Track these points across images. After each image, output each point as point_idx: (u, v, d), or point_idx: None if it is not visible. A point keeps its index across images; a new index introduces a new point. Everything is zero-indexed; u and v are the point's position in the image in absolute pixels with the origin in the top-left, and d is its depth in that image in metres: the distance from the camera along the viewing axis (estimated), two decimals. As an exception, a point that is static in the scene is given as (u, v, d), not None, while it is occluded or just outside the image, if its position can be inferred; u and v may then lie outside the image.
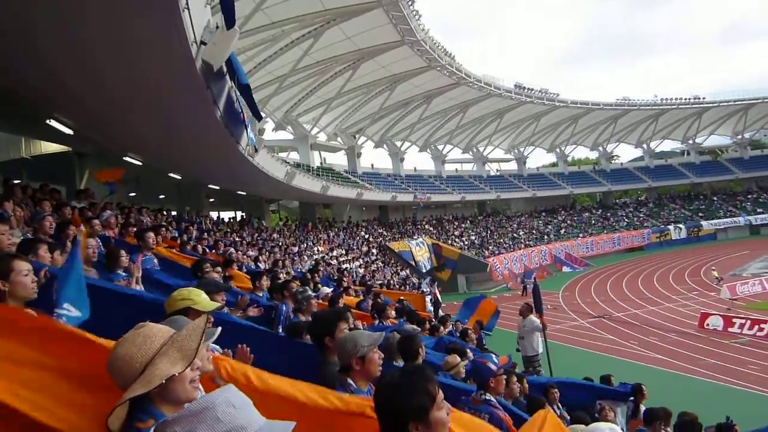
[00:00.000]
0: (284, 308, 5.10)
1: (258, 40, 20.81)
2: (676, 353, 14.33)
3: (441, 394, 1.50)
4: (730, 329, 16.08)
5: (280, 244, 20.89)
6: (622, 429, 6.05)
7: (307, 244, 24.54)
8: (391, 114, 37.19)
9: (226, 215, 25.57)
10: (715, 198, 52.96)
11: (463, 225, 43.34)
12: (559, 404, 5.72)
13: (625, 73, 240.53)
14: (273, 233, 23.16)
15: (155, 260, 5.50)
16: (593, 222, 48.70)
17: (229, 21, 7.31)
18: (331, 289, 9.88)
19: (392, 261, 30.58)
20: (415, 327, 6.11)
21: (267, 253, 15.27)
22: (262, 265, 11.68)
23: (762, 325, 15.43)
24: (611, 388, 6.69)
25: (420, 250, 32.40)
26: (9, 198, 5.47)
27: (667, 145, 59.09)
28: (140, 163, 14.12)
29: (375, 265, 27.29)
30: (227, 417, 1.08)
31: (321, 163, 36.90)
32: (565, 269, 32.69)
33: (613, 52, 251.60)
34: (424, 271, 30.73)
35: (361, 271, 23.93)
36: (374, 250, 30.82)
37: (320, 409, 1.92)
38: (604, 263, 37.41)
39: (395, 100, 34.79)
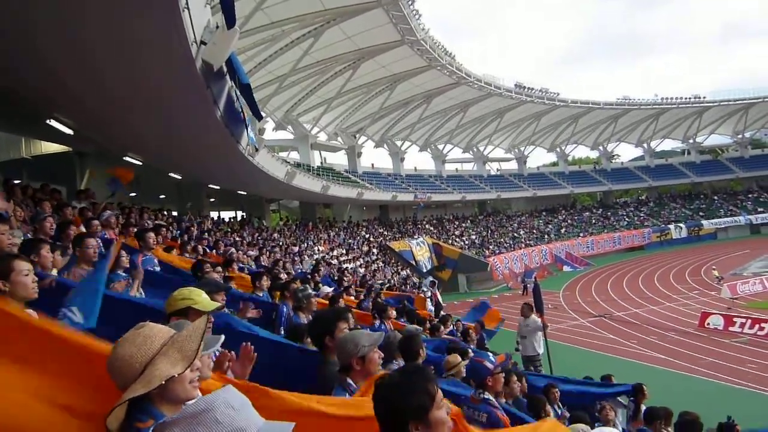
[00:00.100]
0: (285, 309, 5.10)
1: (258, 40, 20.81)
2: (677, 352, 14.33)
3: (440, 394, 1.50)
4: (730, 328, 16.07)
5: (281, 243, 20.88)
6: (623, 429, 6.05)
7: (307, 244, 24.54)
8: (391, 113, 37.18)
9: (226, 215, 25.58)
10: (715, 197, 52.93)
11: (463, 224, 43.33)
12: (560, 403, 5.72)
13: (625, 73, 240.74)
14: (273, 233, 23.16)
15: (155, 260, 5.50)
16: (594, 221, 48.68)
17: (230, 21, 7.31)
18: (332, 288, 9.88)
19: (393, 261, 30.58)
20: (417, 327, 6.12)
21: (267, 252, 15.27)
22: (264, 262, 11.66)
23: (762, 324, 15.42)
24: (611, 388, 6.68)
25: (420, 250, 32.40)
26: (9, 198, 5.47)
27: (668, 145, 59.23)
28: (140, 163, 14.13)
29: (375, 265, 27.29)
30: (226, 419, 1.08)
31: (321, 162, 36.88)
32: (566, 269, 32.76)
33: (613, 52, 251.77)
34: (424, 270, 30.73)
35: (362, 270, 23.93)
36: (375, 250, 30.82)
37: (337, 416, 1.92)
38: (605, 262, 37.40)
39: (395, 100, 34.77)
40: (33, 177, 11.66)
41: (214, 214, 23.84)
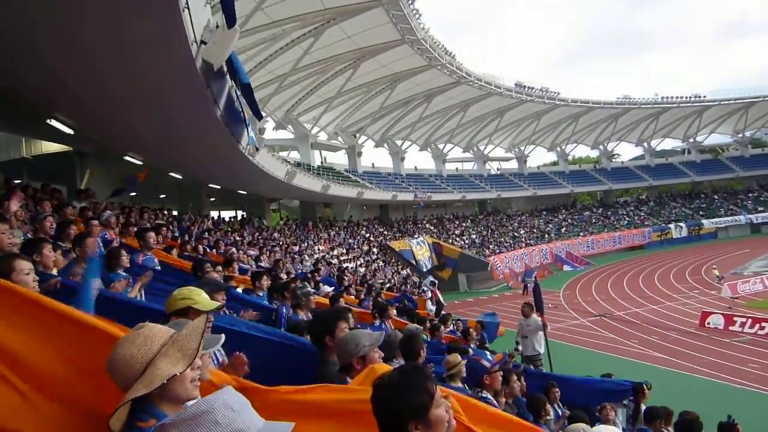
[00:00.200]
0: (284, 310, 5.10)
1: (258, 40, 20.81)
2: (677, 352, 14.33)
3: (440, 392, 1.50)
4: (731, 328, 16.07)
5: (281, 243, 20.89)
6: (624, 428, 6.05)
7: (307, 244, 24.56)
8: (391, 113, 37.17)
9: (226, 214, 25.60)
10: (715, 196, 52.91)
11: (463, 224, 43.33)
12: (560, 403, 5.72)
13: (625, 72, 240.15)
14: (274, 232, 23.17)
15: (156, 260, 5.51)
16: (594, 221, 48.67)
17: (230, 20, 7.30)
18: (332, 288, 9.90)
19: (393, 260, 30.60)
20: (417, 326, 6.12)
21: (268, 252, 15.28)
22: (263, 264, 11.68)
23: (763, 324, 15.41)
24: (610, 382, 6.68)
25: (421, 249, 32.41)
26: (10, 198, 5.48)
27: (668, 144, 59.26)
28: (141, 163, 14.12)
29: (376, 264, 27.30)
30: (226, 420, 1.08)
31: (321, 162, 36.88)
32: (566, 268, 32.79)
33: (613, 52, 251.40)
34: (424, 270, 30.73)
35: (362, 270, 23.94)
36: (375, 249, 30.83)
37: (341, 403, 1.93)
38: (605, 262, 37.39)
39: (395, 99, 34.76)
40: (33, 177, 11.67)
41: (214, 214, 23.86)
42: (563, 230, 45.80)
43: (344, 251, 27.05)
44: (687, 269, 30.90)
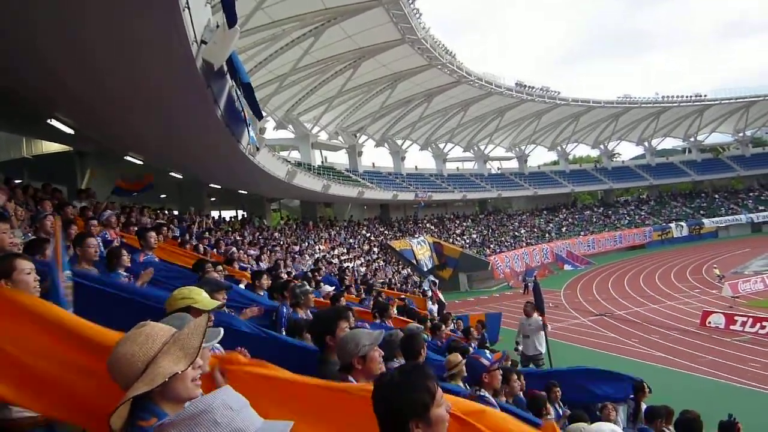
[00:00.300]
0: (285, 310, 5.11)
1: (258, 39, 20.80)
2: (678, 351, 14.32)
3: (440, 392, 1.50)
4: (731, 327, 16.06)
5: (282, 243, 20.89)
6: (624, 427, 6.05)
7: (308, 243, 24.56)
8: (391, 112, 37.17)
9: (227, 214, 25.60)
10: (716, 196, 52.89)
11: (464, 223, 43.33)
12: (560, 402, 5.72)
13: (626, 72, 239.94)
14: (274, 232, 23.17)
15: (157, 260, 5.51)
16: (594, 220, 48.66)
17: (231, 20, 7.29)
18: (333, 287, 9.90)
19: (393, 260, 30.60)
20: (418, 325, 6.11)
21: (268, 252, 15.28)
22: (263, 264, 11.68)
23: (764, 323, 15.40)
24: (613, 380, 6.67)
25: (421, 249, 32.41)
26: (10, 198, 5.48)
27: (669, 143, 59.28)
28: (141, 163, 14.14)
29: (376, 264, 27.30)
30: (225, 420, 1.07)
31: (322, 161, 36.88)
32: (567, 267, 32.79)
33: (613, 52, 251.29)
34: (425, 269, 30.74)
35: (363, 269, 23.95)
36: (375, 249, 30.84)
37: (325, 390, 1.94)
38: (606, 261, 37.38)
39: (396, 99, 34.75)
40: (34, 177, 11.66)
41: (215, 214, 23.86)
42: (564, 230, 45.79)
43: (345, 251, 27.06)
44: (688, 268, 30.89)
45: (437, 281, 22.64)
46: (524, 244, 40.15)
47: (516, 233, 43.09)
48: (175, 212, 17.01)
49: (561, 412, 5.42)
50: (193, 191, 21.24)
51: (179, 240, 9.27)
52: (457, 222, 43.39)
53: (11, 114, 10.17)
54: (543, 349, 10.00)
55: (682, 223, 47.21)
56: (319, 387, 1.94)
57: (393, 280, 23.47)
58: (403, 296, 13.80)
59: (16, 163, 12.95)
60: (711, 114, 50.28)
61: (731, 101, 47.88)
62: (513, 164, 52.71)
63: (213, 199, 24.15)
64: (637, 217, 49.71)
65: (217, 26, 7.68)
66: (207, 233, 12.55)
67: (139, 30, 6.18)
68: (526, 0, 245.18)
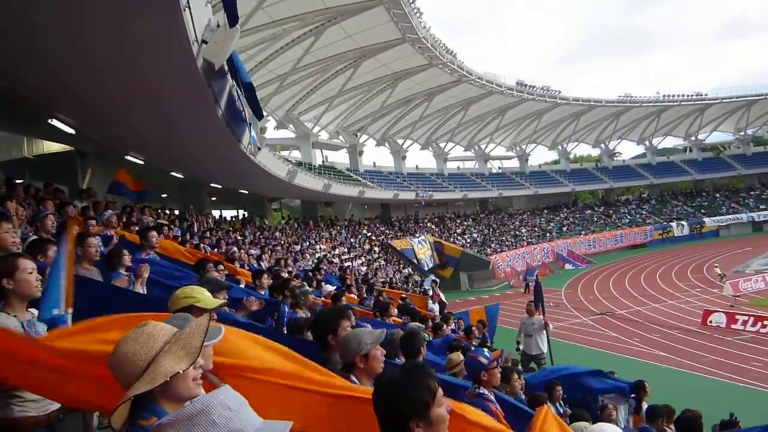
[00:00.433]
0: (286, 309, 5.12)
1: (259, 39, 20.80)
2: (679, 350, 14.31)
3: (441, 391, 1.49)
4: (733, 326, 16.04)
5: (282, 242, 20.91)
6: (625, 426, 6.05)
7: (309, 243, 24.58)
8: (392, 112, 37.16)
9: (228, 214, 25.61)
10: (717, 195, 52.82)
11: (465, 223, 43.32)
12: (561, 402, 5.72)
13: (625, 72, 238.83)
14: (275, 232, 23.19)
15: (158, 259, 5.51)
16: (595, 219, 48.63)
17: (232, 19, 7.29)
18: (334, 287, 9.90)
19: (394, 259, 30.61)
20: (419, 324, 6.12)
21: (269, 251, 15.30)
22: (264, 264, 11.69)
23: (765, 322, 15.37)
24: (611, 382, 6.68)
25: (422, 248, 32.40)
26: (11, 197, 5.49)
27: (670, 142, 59.18)
28: (142, 162, 14.14)
29: (377, 263, 27.31)
30: (223, 420, 1.07)
31: (323, 161, 36.86)
32: (568, 266, 32.70)
33: (613, 52, 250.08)
34: (426, 268, 30.72)
35: (364, 269, 23.96)
36: (376, 248, 30.85)
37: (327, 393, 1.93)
38: (607, 260, 37.34)
39: (396, 98, 34.74)
40: (35, 176, 11.65)
41: (215, 213, 23.87)
42: (565, 229, 45.77)
43: (345, 250, 27.08)
44: (689, 267, 30.85)
45: (438, 280, 22.58)
46: (525, 244, 40.14)
47: (517, 232, 43.08)
48: (176, 212, 17.03)
49: (561, 411, 5.42)
50: (194, 191, 21.26)
51: (180, 239, 9.27)
52: (458, 221, 43.38)
53: (12, 114, 10.17)
54: (545, 349, 10.00)
55: (683, 222, 47.18)
56: (321, 395, 1.93)
57: (394, 280, 23.49)
58: (404, 295, 13.80)
59: (17, 163, 12.93)
60: (712, 113, 50.21)
61: (732, 100, 47.82)
62: (514, 163, 52.73)
63: (214, 198, 24.16)
64: (638, 216, 49.66)
65: (218, 26, 7.68)
66: (208, 233, 12.57)
67: (139, 30, 6.17)
68: (526, 0, 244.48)
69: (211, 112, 9.32)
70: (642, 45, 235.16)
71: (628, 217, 49.48)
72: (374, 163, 42.11)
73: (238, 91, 10.03)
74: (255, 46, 21.24)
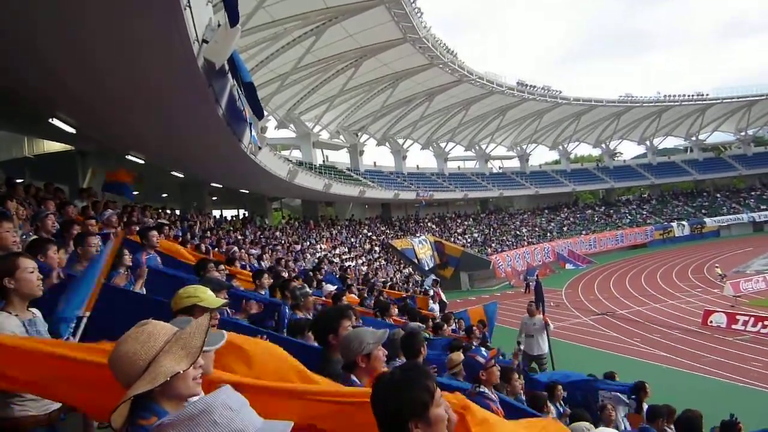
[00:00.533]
0: (287, 310, 5.11)
1: (259, 39, 20.79)
2: (679, 350, 14.30)
3: (439, 391, 1.49)
4: (733, 326, 16.04)
5: (283, 242, 20.91)
6: (624, 427, 6.05)
7: (309, 242, 24.58)
8: (393, 112, 37.15)
9: (228, 213, 25.63)
10: (718, 195, 52.77)
11: (465, 222, 43.31)
12: (561, 402, 5.71)
13: (626, 72, 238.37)
14: (275, 231, 23.19)
15: (158, 259, 5.51)
16: (596, 219, 48.61)
17: (233, 18, 7.28)
18: (335, 286, 9.90)
19: (395, 259, 30.60)
20: (420, 324, 6.12)
21: (270, 251, 15.30)
22: (265, 264, 11.69)
23: (765, 322, 15.37)
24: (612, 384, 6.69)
25: (423, 248, 32.40)
26: (12, 197, 5.49)
27: (670, 142, 59.13)
28: (142, 162, 14.14)
29: (378, 263, 27.30)
30: (224, 420, 1.07)
31: (323, 161, 36.85)
32: (568, 266, 32.71)
33: (613, 52, 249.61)
34: (426, 268, 30.72)
35: (364, 268, 23.95)
36: (377, 248, 30.84)
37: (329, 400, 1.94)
38: (607, 260, 37.33)
39: (397, 98, 34.74)
40: (36, 176, 11.66)
41: (216, 213, 23.89)
42: (565, 229, 45.75)
43: (346, 250, 27.07)
44: (689, 268, 30.84)
45: (439, 280, 22.60)
46: (526, 243, 40.12)
47: (517, 232, 43.07)
48: (177, 212, 17.04)
49: (562, 411, 5.42)
50: (195, 190, 21.28)
51: (180, 239, 9.28)
52: (459, 221, 43.38)
53: (12, 114, 10.17)
54: (546, 349, 9.98)
55: (684, 222, 47.15)
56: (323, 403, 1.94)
57: (394, 279, 23.48)
58: (404, 295, 13.81)
59: (17, 163, 12.94)
60: (713, 113, 50.17)
61: (733, 100, 47.78)
62: (514, 163, 52.71)
63: (214, 198, 24.18)
64: (638, 216, 49.63)
65: (219, 25, 7.68)
66: (208, 232, 12.57)
67: (139, 29, 6.17)
68: (526, 0, 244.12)
69: (212, 111, 9.31)
70: (642, 45, 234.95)
71: (629, 217, 49.45)
72: (375, 162, 42.14)
73: (239, 90, 10.02)
74: (256, 46, 21.24)
